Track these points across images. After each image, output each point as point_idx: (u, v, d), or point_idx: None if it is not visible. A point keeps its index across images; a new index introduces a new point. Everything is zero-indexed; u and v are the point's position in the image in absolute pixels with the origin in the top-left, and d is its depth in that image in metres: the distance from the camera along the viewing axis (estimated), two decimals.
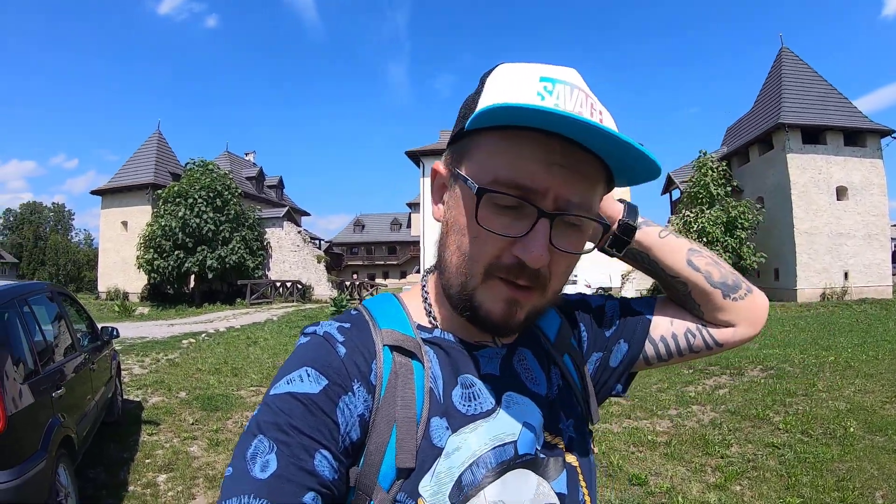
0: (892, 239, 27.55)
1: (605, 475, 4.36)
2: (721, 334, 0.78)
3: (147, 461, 4.78)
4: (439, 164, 0.64)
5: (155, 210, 27.08)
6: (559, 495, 0.62)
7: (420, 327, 0.64)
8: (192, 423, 5.91)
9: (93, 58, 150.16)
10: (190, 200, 25.20)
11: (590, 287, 27.89)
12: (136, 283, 28.40)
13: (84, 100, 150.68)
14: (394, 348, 0.59)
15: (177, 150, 33.70)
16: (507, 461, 0.59)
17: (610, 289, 31.01)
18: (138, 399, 6.94)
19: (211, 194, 25.63)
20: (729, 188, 24.96)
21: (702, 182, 24.68)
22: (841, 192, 24.71)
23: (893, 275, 25.59)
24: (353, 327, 0.60)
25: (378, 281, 47.97)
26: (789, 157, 24.40)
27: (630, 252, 0.76)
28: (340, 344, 0.58)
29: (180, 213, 24.99)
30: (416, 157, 37.52)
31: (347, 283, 29.14)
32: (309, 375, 0.54)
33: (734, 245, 23.68)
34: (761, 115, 27.14)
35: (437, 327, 0.64)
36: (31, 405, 3.02)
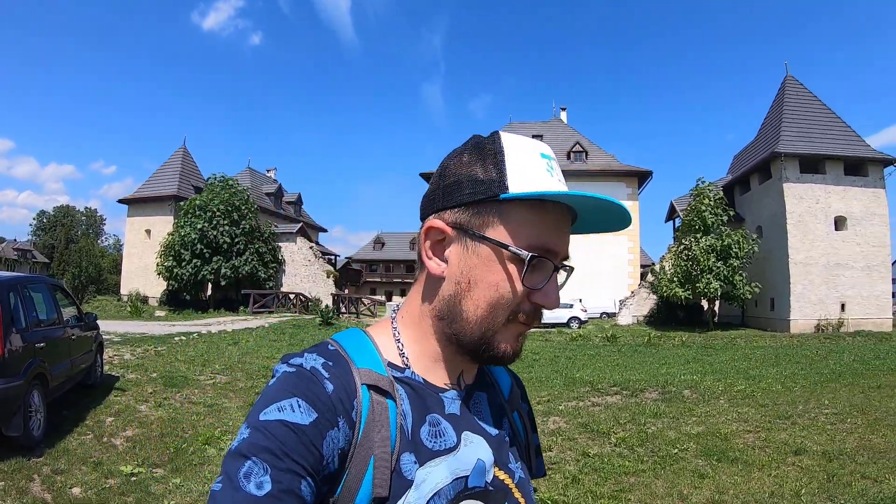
0: None
1: None
2: None
3: (104, 409, 6.32)
4: (438, 222, 0.69)
5: (176, 220, 29.02)
6: None
7: (391, 365, 0.70)
8: (150, 392, 7.43)
9: (135, 67, 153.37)
10: (209, 213, 26.97)
11: (585, 311, 26.86)
12: (156, 287, 30.24)
13: (124, 108, 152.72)
14: (371, 387, 0.65)
15: (206, 163, 35.67)
16: (460, 492, 0.66)
17: (613, 314, 30.24)
18: (118, 375, 8.34)
19: (229, 208, 27.36)
20: (725, 217, 24.48)
21: (697, 210, 24.37)
22: (840, 222, 24.21)
23: (894, 306, 24.78)
24: (335, 365, 0.65)
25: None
26: (785, 186, 24.12)
27: None
28: (327, 380, 0.62)
29: (199, 225, 26.73)
30: (430, 178, 38.87)
31: (343, 297, 29.25)
32: (300, 406, 0.59)
33: (727, 273, 23.24)
34: (762, 144, 26.94)
35: (408, 367, 0.71)
36: (19, 347, 4.81)
